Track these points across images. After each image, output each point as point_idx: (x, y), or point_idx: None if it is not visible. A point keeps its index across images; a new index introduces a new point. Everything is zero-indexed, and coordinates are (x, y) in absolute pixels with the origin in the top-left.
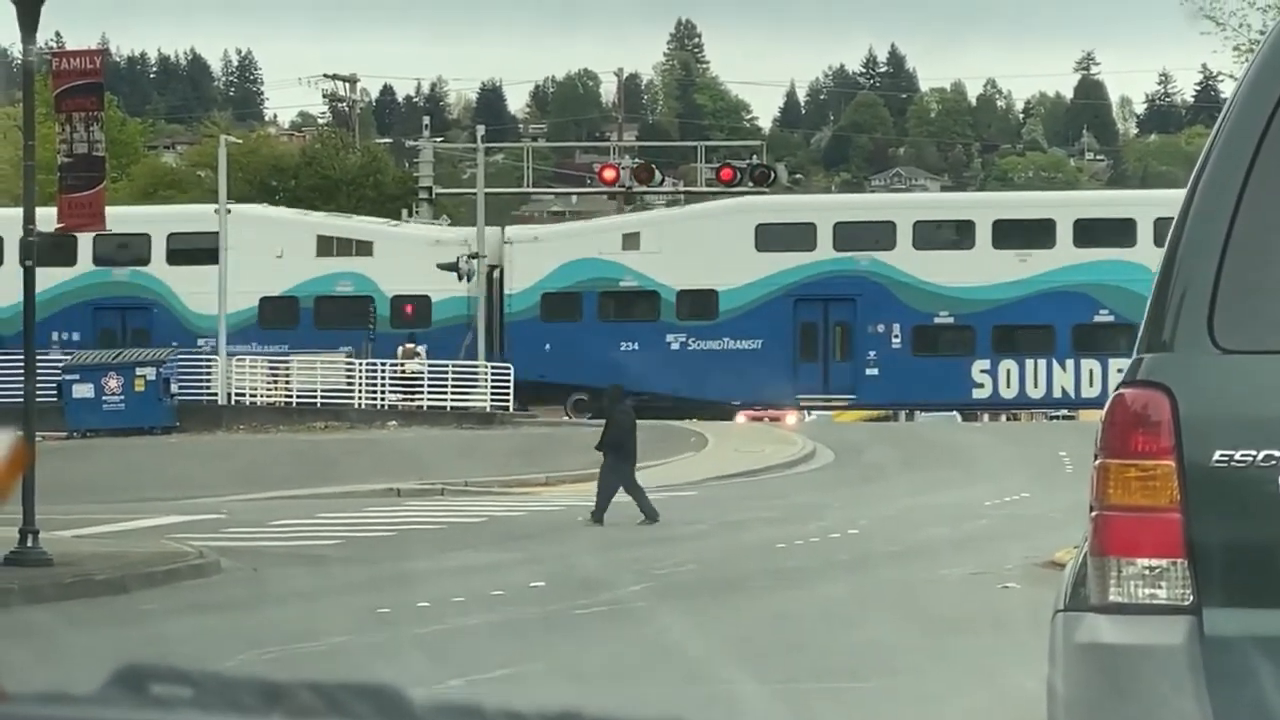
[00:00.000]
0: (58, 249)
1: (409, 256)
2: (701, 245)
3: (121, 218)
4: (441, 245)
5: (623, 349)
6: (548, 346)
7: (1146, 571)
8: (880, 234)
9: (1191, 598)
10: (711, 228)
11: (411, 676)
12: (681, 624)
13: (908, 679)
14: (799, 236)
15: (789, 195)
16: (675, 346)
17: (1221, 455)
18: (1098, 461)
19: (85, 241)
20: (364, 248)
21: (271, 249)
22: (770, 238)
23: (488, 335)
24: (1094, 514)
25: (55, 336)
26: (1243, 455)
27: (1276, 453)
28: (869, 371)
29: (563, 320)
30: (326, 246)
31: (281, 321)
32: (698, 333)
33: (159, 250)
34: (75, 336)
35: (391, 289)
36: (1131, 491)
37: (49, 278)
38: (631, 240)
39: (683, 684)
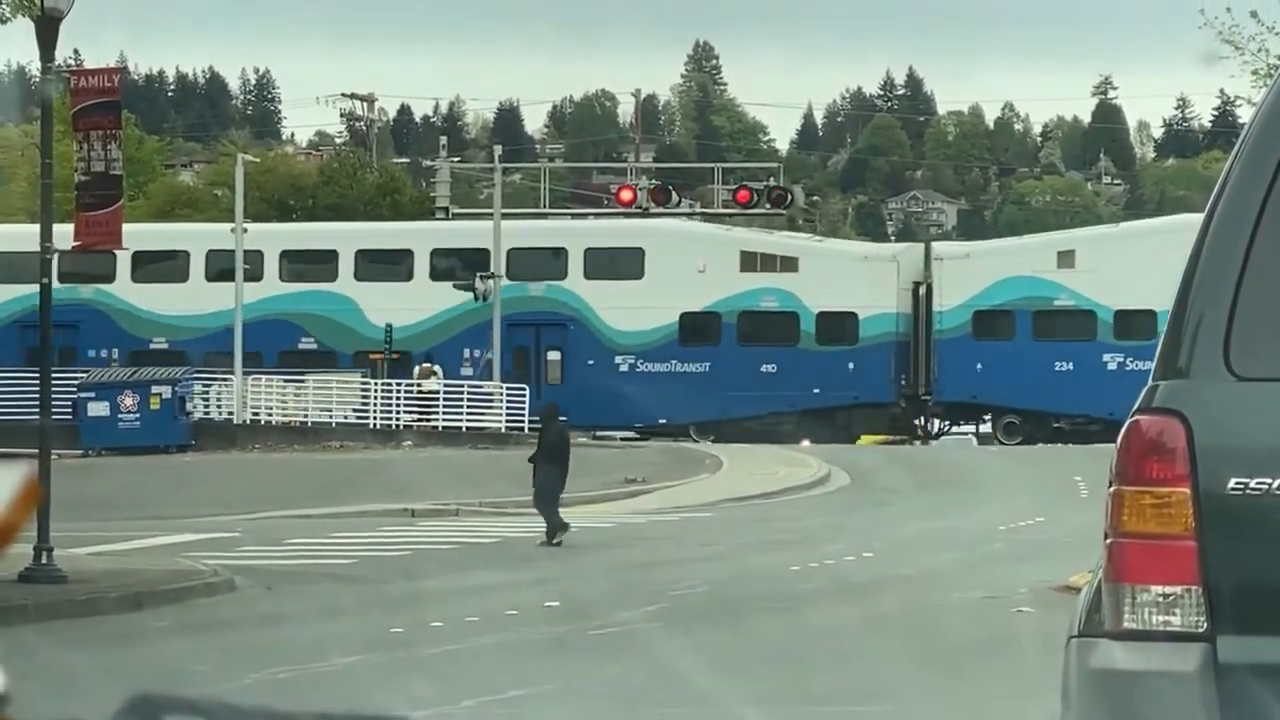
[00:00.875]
0: (470, 264)
1: (835, 273)
2: (1140, 263)
3: (535, 231)
4: (869, 261)
5: (1057, 369)
6: (979, 366)
7: (1161, 598)
8: None
9: (1205, 625)
10: (1151, 245)
11: (423, 698)
12: (693, 647)
13: (918, 703)
14: None
15: None
16: (1112, 367)
17: (1237, 483)
18: (1112, 488)
19: (500, 255)
20: (789, 263)
21: (693, 264)
22: None
23: (913, 353)
24: (1108, 540)
25: (466, 354)
26: (1258, 483)
27: None
28: None
29: (995, 339)
30: (750, 262)
31: (703, 338)
32: (1136, 353)
33: (576, 264)
34: (488, 354)
35: (817, 305)
36: (1146, 519)
37: (459, 294)
38: (1066, 258)
39: (693, 707)
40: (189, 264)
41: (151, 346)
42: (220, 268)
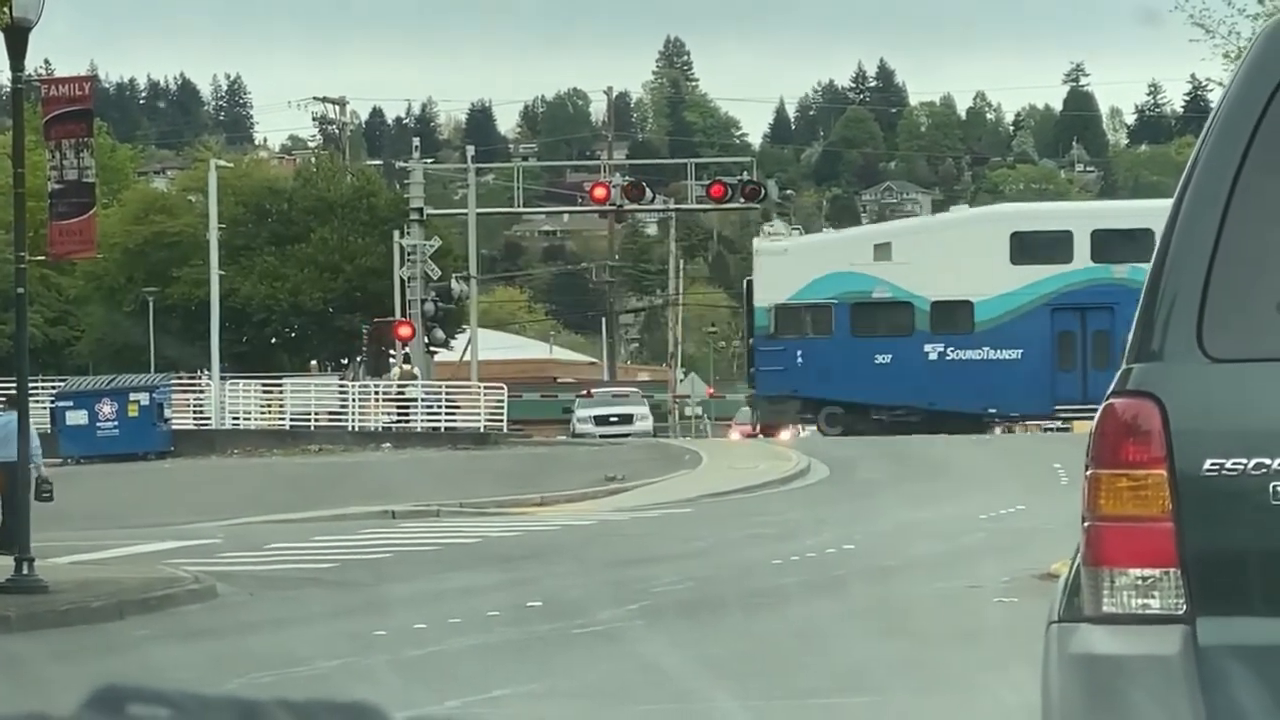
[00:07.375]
0: (1057, 246)
1: None
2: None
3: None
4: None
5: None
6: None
7: (1139, 581)
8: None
9: (1185, 607)
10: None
11: (407, 699)
12: (676, 643)
13: (900, 694)
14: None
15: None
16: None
17: (1212, 464)
18: (1089, 472)
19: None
20: None
21: None
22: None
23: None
24: (1086, 524)
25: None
26: (1233, 464)
27: (1267, 461)
28: None
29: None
30: None
31: None
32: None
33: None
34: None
35: None
36: (1123, 501)
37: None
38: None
39: (678, 703)
40: None
41: None
42: None
